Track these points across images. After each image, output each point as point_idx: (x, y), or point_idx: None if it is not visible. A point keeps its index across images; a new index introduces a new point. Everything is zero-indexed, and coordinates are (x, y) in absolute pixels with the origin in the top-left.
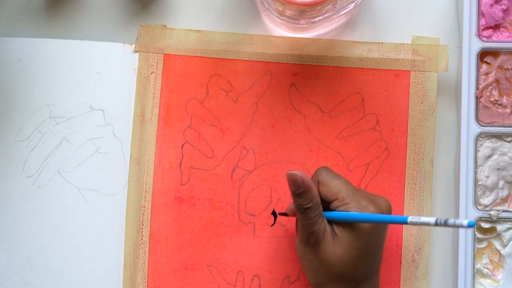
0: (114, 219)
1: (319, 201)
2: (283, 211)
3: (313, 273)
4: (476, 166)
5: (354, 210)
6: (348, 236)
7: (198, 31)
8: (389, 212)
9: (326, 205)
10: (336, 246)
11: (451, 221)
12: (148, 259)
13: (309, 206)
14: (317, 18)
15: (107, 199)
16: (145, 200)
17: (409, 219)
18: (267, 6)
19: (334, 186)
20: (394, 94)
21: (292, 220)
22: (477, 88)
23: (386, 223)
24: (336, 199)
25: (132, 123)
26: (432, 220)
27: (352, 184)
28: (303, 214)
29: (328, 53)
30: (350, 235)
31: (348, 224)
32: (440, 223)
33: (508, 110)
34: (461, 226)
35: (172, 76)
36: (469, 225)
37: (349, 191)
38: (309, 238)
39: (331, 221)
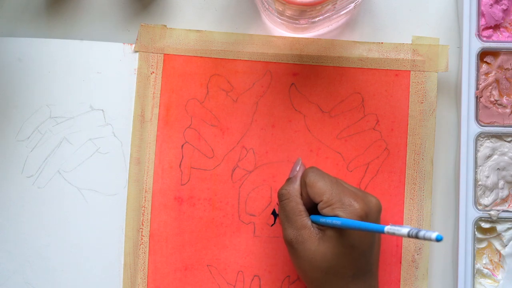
0: (114, 219)
1: (298, 197)
2: None
3: (301, 270)
4: (476, 166)
5: (338, 211)
6: (333, 234)
7: (198, 31)
8: (379, 210)
9: (315, 206)
10: (321, 244)
11: (421, 233)
12: (148, 259)
13: (283, 193)
14: (317, 18)
15: (107, 199)
16: (145, 200)
17: (386, 229)
18: (267, 6)
19: (319, 187)
20: (394, 94)
21: None
22: (477, 88)
23: (364, 230)
24: (321, 201)
25: (132, 123)
26: (405, 230)
27: (352, 184)
28: (279, 201)
29: (328, 53)
30: (336, 234)
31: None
32: (411, 234)
33: (508, 110)
34: (430, 239)
35: (172, 76)
36: (437, 239)
37: (334, 191)
38: (289, 233)
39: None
